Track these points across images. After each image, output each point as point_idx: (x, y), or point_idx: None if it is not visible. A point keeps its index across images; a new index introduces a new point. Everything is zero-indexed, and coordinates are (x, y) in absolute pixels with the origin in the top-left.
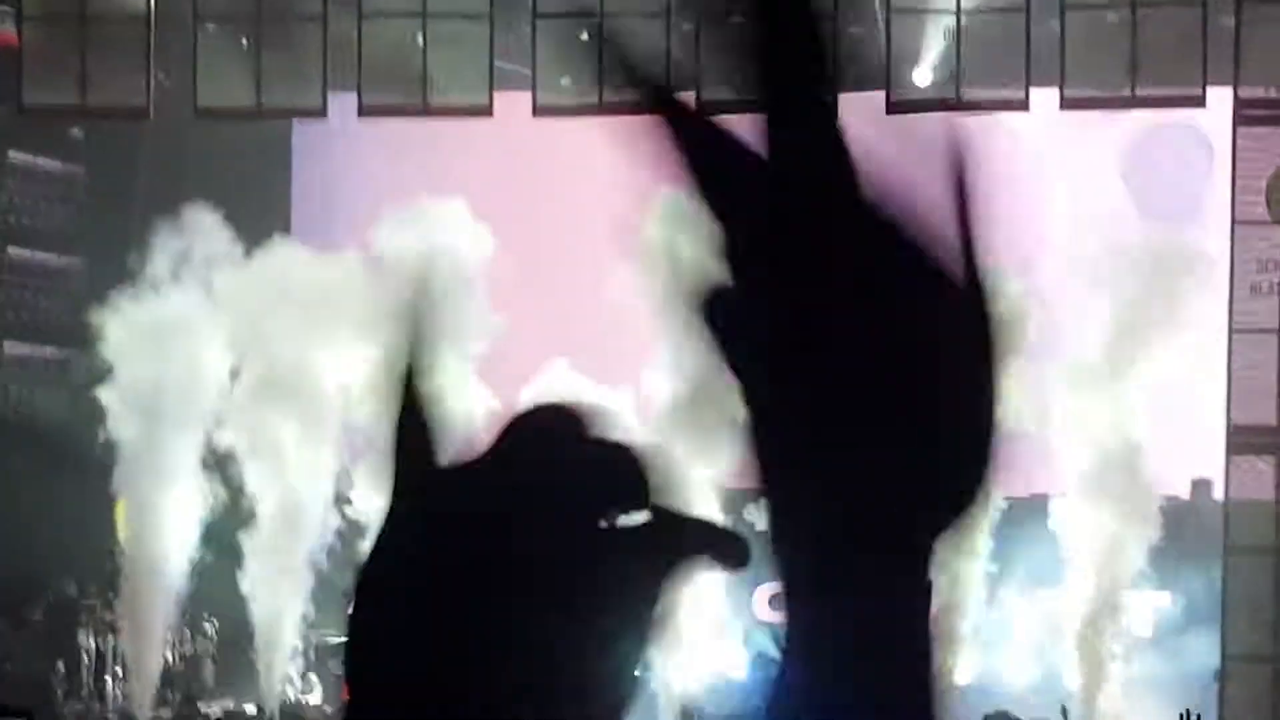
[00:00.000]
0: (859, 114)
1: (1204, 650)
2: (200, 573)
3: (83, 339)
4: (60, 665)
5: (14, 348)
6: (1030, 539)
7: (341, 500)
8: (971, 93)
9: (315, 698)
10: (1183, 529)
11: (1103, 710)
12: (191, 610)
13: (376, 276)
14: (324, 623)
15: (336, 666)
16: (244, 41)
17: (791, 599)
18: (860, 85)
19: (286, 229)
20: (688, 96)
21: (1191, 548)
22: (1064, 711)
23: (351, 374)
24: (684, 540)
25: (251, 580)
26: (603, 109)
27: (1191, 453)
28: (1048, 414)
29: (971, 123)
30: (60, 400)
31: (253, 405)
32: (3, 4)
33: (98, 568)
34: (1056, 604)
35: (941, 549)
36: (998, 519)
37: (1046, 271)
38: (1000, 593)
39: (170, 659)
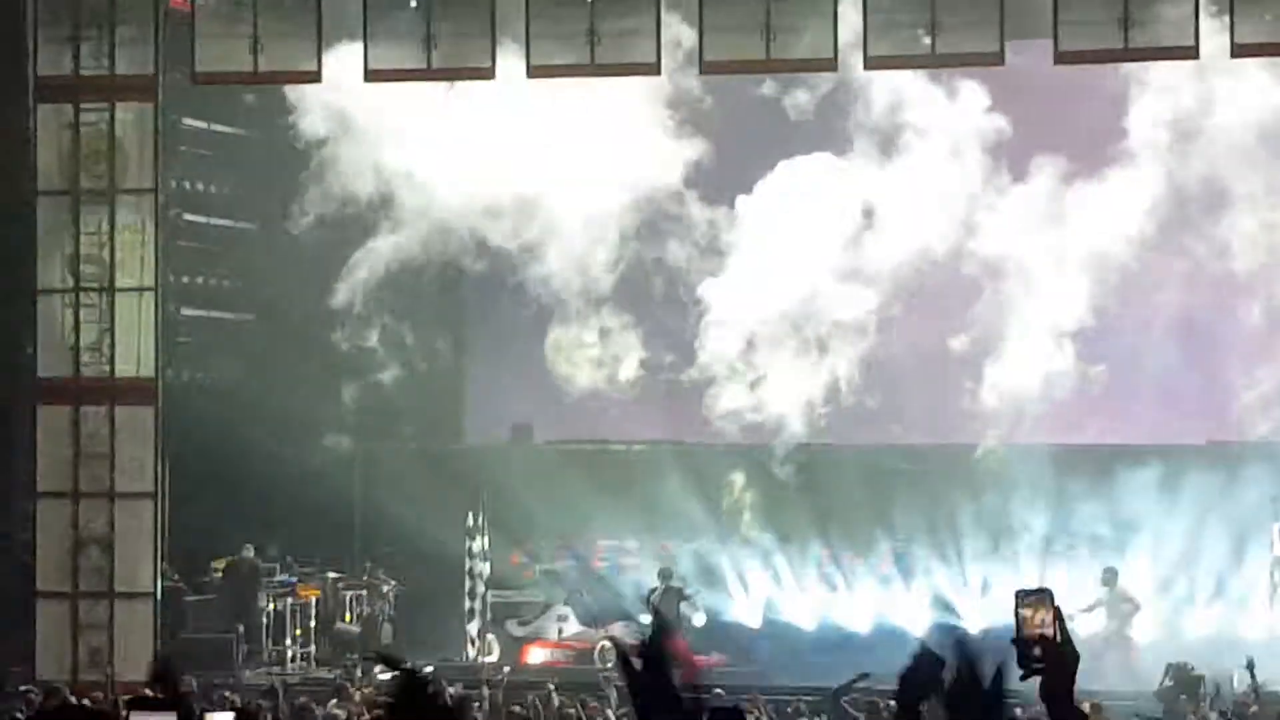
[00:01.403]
0: (1026, 62)
1: None
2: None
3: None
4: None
5: (190, 312)
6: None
7: None
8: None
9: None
10: None
11: None
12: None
13: None
14: (498, 583)
15: (514, 626)
16: (413, 3)
17: None
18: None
19: None
20: None
21: None
22: (1250, 664)
23: None
24: None
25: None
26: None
27: None
28: None
29: None
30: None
31: None
32: None
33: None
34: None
35: None
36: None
37: None
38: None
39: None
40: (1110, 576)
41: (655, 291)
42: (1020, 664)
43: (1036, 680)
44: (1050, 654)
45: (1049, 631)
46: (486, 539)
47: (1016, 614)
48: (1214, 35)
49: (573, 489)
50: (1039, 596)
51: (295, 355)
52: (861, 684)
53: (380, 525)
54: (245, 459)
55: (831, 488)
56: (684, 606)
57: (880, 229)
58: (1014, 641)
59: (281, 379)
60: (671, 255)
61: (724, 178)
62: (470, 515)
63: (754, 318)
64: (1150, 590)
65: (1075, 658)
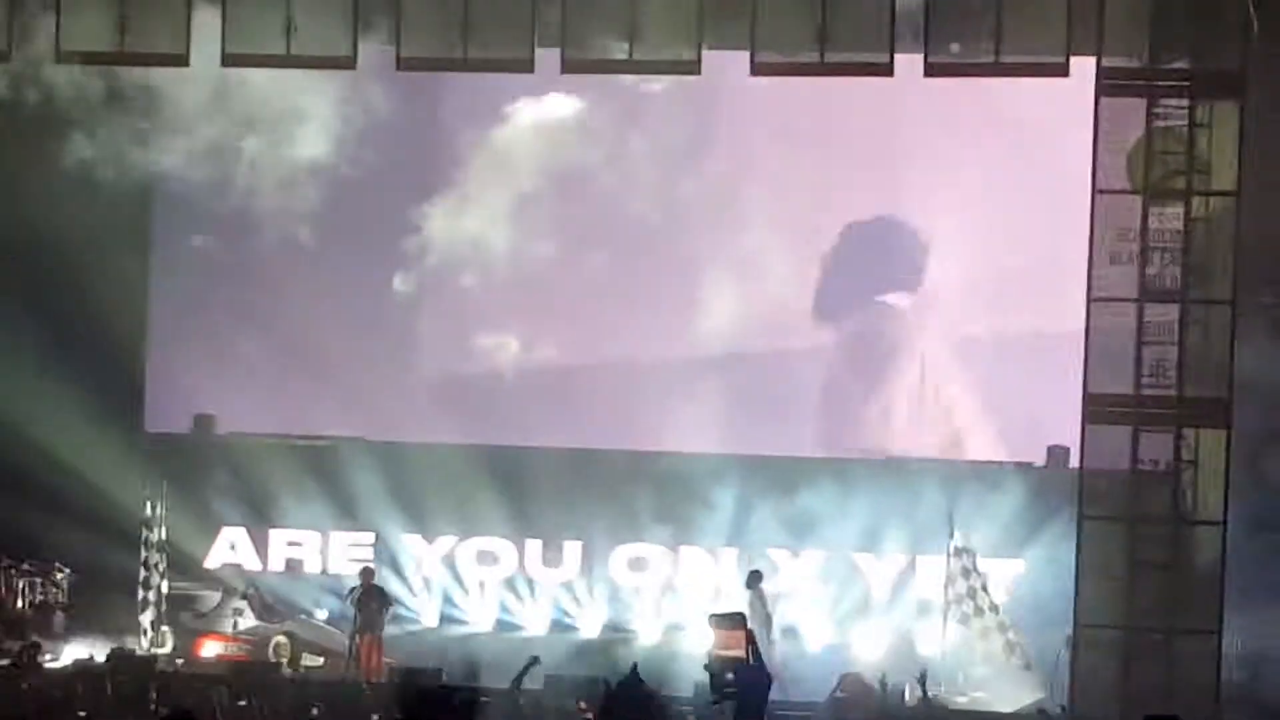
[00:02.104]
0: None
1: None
2: None
3: None
4: None
5: None
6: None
7: None
8: (835, 56)
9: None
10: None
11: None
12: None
13: None
14: (176, 574)
15: (190, 619)
16: None
17: None
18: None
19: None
20: None
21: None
22: (922, 677)
23: None
24: None
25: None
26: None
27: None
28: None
29: None
30: None
31: None
32: None
33: None
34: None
35: None
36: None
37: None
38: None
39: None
40: (754, 579)
41: None
42: (713, 689)
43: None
44: (743, 677)
45: (741, 654)
46: (165, 530)
47: (711, 637)
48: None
49: (256, 480)
50: (732, 620)
51: None
52: (534, 668)
53: (59, 511)
54: None
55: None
56: (383, 606)
57: None
58: (705, 666)
59: None
60: None
61: None
62: (148, 505)
63: None
64: (824, 600)
65: (769, 680)
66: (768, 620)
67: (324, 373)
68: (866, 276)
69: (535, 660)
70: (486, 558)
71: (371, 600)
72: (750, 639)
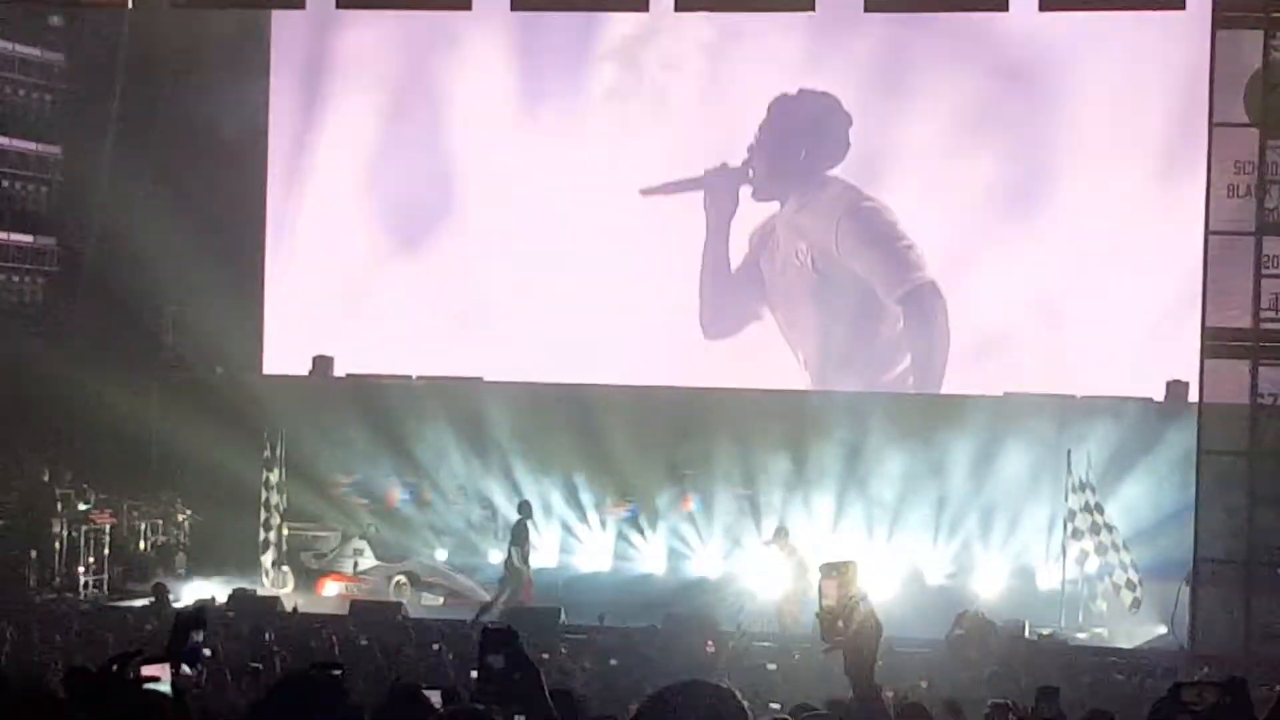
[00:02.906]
0: (837, 10)
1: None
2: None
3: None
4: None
5: None
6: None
7: None
8: None
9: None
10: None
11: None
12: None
13: None
14: (295, 516)
15: (310, 559)
16: None
17: None
18: None
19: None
20: None
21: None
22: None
23: None
24: None
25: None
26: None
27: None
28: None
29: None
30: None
31: None
32: None
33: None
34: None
35: None
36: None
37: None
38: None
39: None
40: (780, 534)
41: None
42: (823, 638)
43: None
44: (851, 627)
45: (851, 605)
46: (283, 471)
47: (819, 587)
48: None
49: (375, 421)
50: (842, 569)
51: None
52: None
53: (177, 454)
54: (42, 384)
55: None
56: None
57: None
58: (816, 615)
59: (79, 307)
60: None
61: None
62: (268, 447)
63: None
64: (941, 538)
65: (878, 630)
66: (801, 570)
67: (442, 312)
68: (985, 214)
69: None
70: (605, 497)
71: (522, 531)
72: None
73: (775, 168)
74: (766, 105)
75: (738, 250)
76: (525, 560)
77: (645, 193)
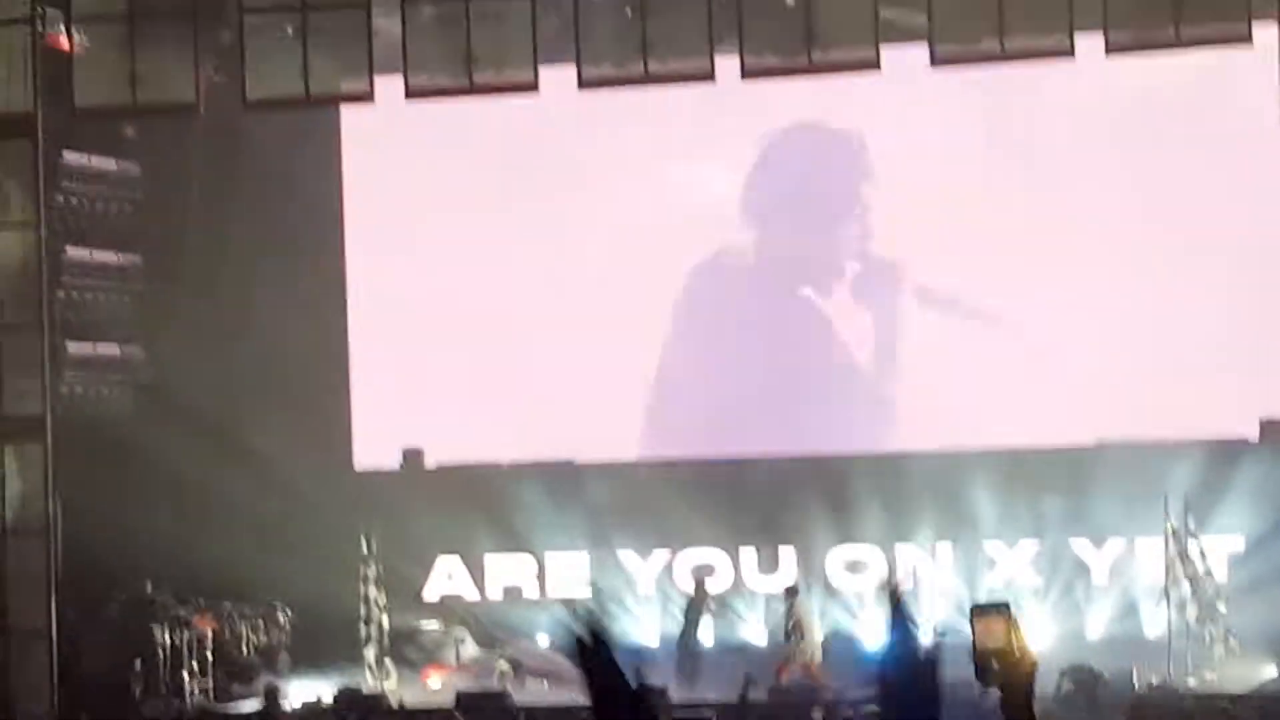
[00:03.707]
0: (905, 69)
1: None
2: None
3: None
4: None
5: (77, 348)
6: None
7: None
8: (1014, 42)
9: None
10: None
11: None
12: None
13: None
14: (394, 609)
15: (412, 651)
16: (289, 30)
17: None
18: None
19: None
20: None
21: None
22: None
23: None
24: None
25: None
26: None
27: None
28: None
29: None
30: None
31: None
32: (51, 6)
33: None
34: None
35: None
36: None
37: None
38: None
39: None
40: (791, 593)
41: None
42: (978, 677)
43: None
44: (1007, 667)
45: (1005, 645)
46: (382, 565)
47: (972, 628)
48: None
49: (467, 511)
50: (996, 611)
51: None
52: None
53: (277, 551)
54: (139, 487)
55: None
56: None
57: None
58: (972, 658)
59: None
60: None
61: None
62: (364, 541)
63: None
64: (1043, 590)
65: (1033, 667)
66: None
67: (528, 397)
68: (1065, 259)
69: (750, 679)
70: (703, 570)
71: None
72: (1014, 627)
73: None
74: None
75: None
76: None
77: None
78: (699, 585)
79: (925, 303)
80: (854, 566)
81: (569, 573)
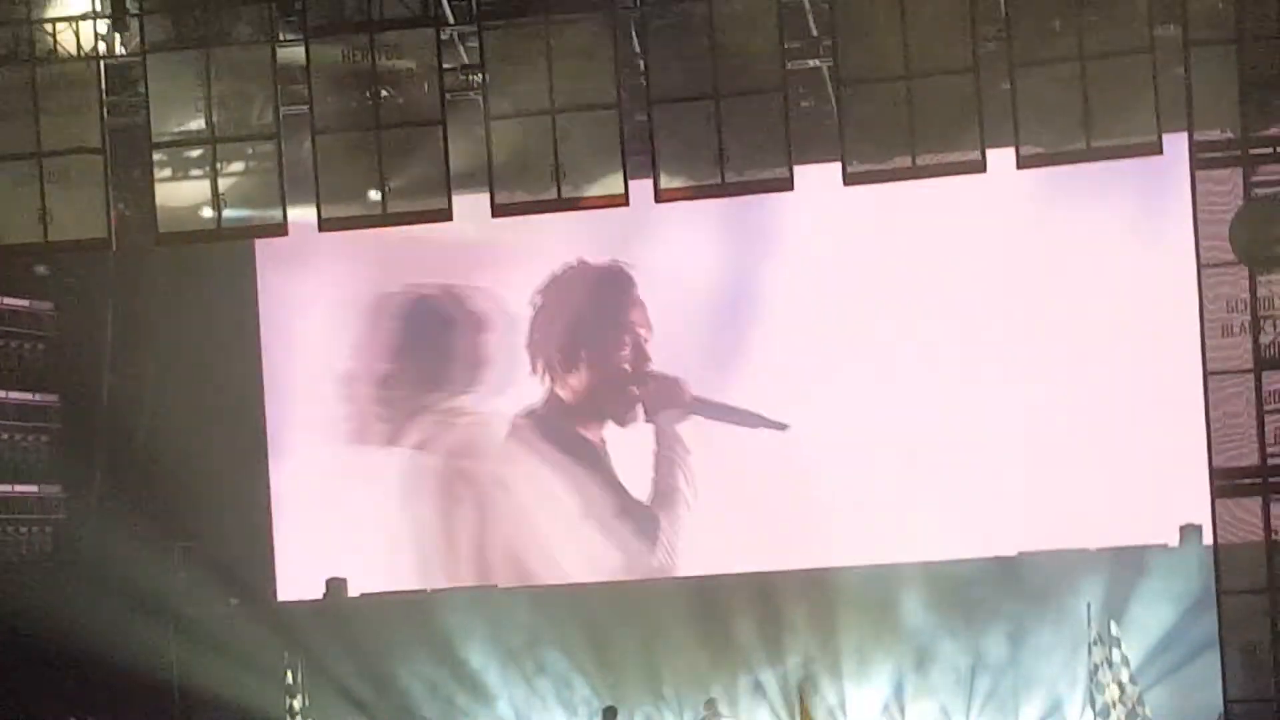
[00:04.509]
0: (818, 186)
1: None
2: None
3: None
4: None
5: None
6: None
7: None
8: (926, 159)
9: None
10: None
11: None
12: None
13: None
14: None
15: None
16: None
17: None
18: (817, 158)
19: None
20: None
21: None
22: None
23: None
24: None
25: None
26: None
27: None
28: None
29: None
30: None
31: None
32: None
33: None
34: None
35: None
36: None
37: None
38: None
39: None
40: (710, 704)
41: None
42: None
43: None
44: None
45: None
46: (306, 697)
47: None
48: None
49: (393, 640)
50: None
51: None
52: None
53: (198, 688)
54: (63, 629)
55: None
56: None
57: None
58: None
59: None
60: None
61: None
62: (288, 674)
63: None
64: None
65: None
66: None
67: (451, 523)
68: (989, 364)
69: None
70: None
71: None
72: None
73: None
74: None
75: None
76: None
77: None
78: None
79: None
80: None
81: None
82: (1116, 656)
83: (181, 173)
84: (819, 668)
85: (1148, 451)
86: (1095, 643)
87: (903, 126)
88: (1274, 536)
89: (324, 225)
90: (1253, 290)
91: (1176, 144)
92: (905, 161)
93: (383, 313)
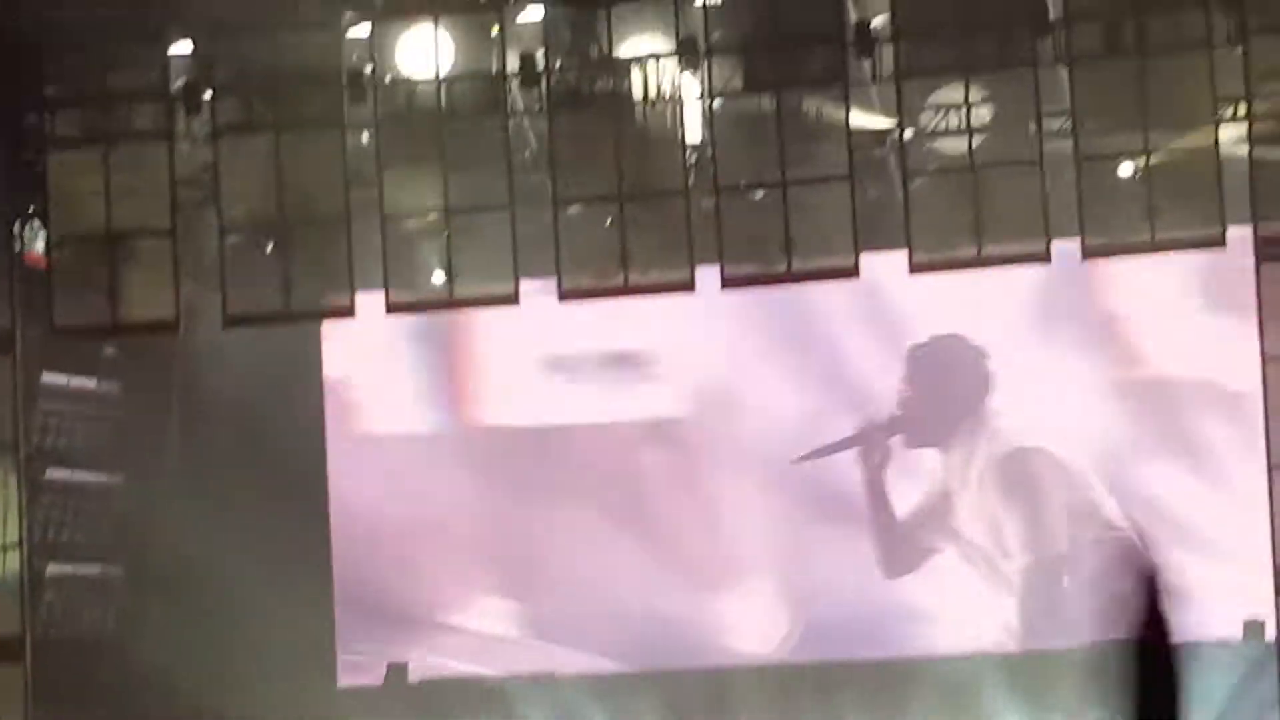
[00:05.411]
0: (883, 274)
1: None
2: None
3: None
4: None
5: (56, 569)
6: None
7: None
8: (992, 249)
9: None
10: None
11: None
12: None
13: None
14: None
15: None
16: (269, 247)
17: None
18: (883, 246)
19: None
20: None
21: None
22: None
23: None
24: None
25: None
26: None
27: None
28: None
29: None
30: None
31: None
32: (28, 222)
33: None
34: None
35: None
36: None
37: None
38: None
39: None
40: None
41: None
42: None
43: None
44: None
45: None
46: None
47: None
48: None
49: None
50: None
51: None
52: None
53: None
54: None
55: None
56: None
57: None
58: None
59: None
60: None
61: None
62: None
63: None
64: None
65: None
66: None
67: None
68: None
69: None
70: None
71: None
72: None
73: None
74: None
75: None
76: None
77: (801, 460)
78: None
79: None
80: None
81: None
82: None
83: (251, 255)
84: None
85: (1210, 545)
86: None
87: (968, 216)
88: None
89: (391, 308)
90: None
91: (1238, 238)
92: (970, 252)
93: None
